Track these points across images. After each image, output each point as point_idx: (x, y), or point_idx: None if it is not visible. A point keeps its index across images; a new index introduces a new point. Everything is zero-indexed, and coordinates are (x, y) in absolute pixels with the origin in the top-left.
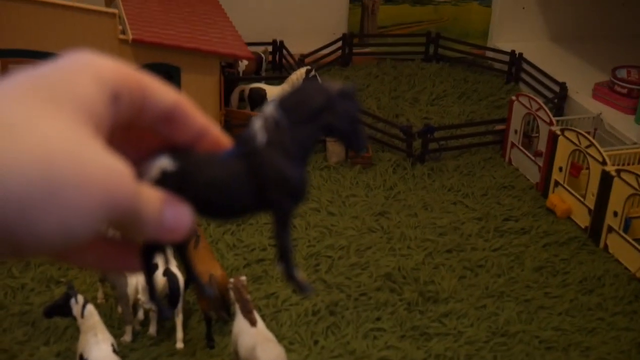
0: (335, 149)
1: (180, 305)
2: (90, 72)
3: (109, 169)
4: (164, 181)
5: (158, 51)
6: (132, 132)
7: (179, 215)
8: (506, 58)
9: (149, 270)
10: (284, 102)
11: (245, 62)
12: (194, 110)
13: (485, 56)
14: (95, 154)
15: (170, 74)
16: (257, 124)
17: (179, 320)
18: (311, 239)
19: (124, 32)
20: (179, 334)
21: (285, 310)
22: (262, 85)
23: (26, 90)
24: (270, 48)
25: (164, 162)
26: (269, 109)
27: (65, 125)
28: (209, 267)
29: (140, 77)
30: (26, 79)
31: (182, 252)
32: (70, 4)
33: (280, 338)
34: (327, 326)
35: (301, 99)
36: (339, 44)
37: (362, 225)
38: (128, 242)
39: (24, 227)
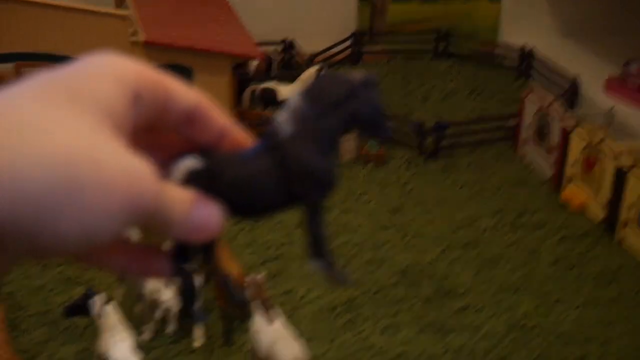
0: (346, 147)
1: (199, 304)
2: (111, 73)
3: (130, 170)
4: (192, 181)
5: (170, 52)
6: (156, 134)
7: (208, 213)
8: (516, 54)
9: (182, 274)
10: (307, 94)
11: (256, 62)
12: (215, 110)
13: (495, 52)
14: (116, 155)
15: (182, 75)
16: (282, 117)
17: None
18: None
19: (135, 33)
20: (198, 331)
21: (303, 306)
22: (273, 85)
23: (46, 91)
24: (280, 48)
25: (191, 162)
26: (293, 100)
27: (86, 127)
28: (226, 265)
29: (162, 77)
30: (46, 81)
31: (210, 253)
32: (82, 6)
33: (299, 334)
34: (345, 322)
35: (324, 89)
36: (349, 42)
37: (376, 221)
38: (155, 245)
39: (43, 229)
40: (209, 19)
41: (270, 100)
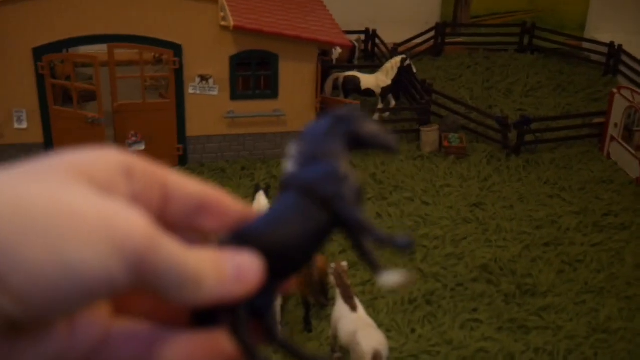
0: (429, 139)
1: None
2: (93, 152)
3: (100, 206)
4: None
5: (258, 38)
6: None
7: (243, 262)
8: (604, 50)
9: (247, 349)
10: (302, 138)
11: (339, 51)
12: (229, 197)
13: (581, 47)
14: (76, 193)
15: (268, 61)
16: (287, 167)
17: (277, 304)
18: (406, 227)
19: (224, 18)
20: (277, 317)
21: (382, 297)
22: (355, 73)
23: (8, 172)
24: (362, 37)
25: (218, 237)
26: (291, 149)
27: (47, 181)
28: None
29: (156, 165)
30: (19, 165)
31: (241, 318)
32: None
33: (377, 325)
34: (424, 315)
35: (314, 126)
36: (432, 33)
37: (457, 215)
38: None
39: (7, 259)
40: (295, 6)
41: (353, 88)
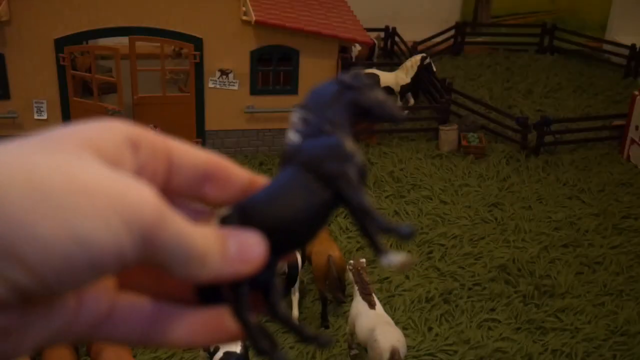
0: (448, 138)
1: (297, 284)
2: (100, 124)
3: (112, 178)
4: (225, 224)
5: (278, 33)
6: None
7: (246, 242)
8: (625, 52)
9: (248, 328)
10: (304, 104)
11: (359, 48)
12: (234, 166)
13: (602, 49)
14: (88, 167)
15: (288, 56)
16: (289, 136)
17: (295, 299)
18: (424, 226)
19: (246, 13)
20: (295, 311)
21: (399, 295)
22: (375, 70)
23: (21, 142)
24: (382, 34)
25: (222, 211)
26: (293, 116)
27: (58, 153)
28: (327, 247)
29: (162, 137)
30: (27, 137)
31: (243, 295)
32: None
33: (394, 322)
34: (441, 314)
35: (316, 93)
36: (452, 32)
37: (475, 215)
38: (221, 309)
39: (21, 232)
40: (317, 2)
41: None
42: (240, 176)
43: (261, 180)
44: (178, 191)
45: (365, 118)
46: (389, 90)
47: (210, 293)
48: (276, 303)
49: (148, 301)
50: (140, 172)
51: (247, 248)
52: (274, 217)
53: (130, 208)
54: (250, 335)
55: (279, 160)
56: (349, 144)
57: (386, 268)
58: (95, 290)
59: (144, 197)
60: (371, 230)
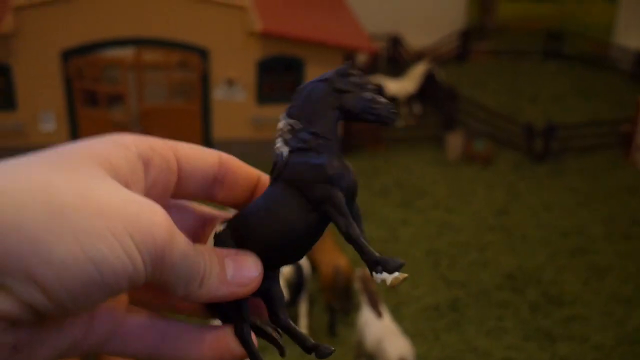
0: (454, 145)
1: (305, 294)
2: (114, 140)
3: (126, 201)
4: (219, 243)
5: (284, 43)
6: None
7: (242, 265)
8: (631, 57)
9: (249, 348)
10: (290, 109)
11: (364, 57)
12: (243, 166)
13: (608, 55)
14: (103, 187)
15: (294, 66)
16: (277, 144)
17: (303, 308)
18: (431, 234)
19: (252, 23)
20: (303, 321)
21: (406, 304)
22: (380, 79)
23: (38, 158)
24: (386, 42)
25: (217, 228)
26: (280, 123)
27: (75, 172)
28: (333, 257)
29: (172, 145)
30: (43, 153)
31: (243, 310)
32: None
33: (402, 331)
34: (449, 322)
35: (303, 95)
36: (457, 39)
37: (481, 222)
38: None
39: (39, 253)
40: (322, 11)
41: None
42: (249, 176)
43: (263, 179)
44: (187, 196)
45: (354, 120)
46: (394, 98)
47: (215, 307)
48: (278, 312)
49: (157, 317)
50: (153, 187)
51: (243, 272)
52: (266, 235)
53: (144, 230)
54: (251, 356)
55: (270, 170)
56: (337, 164)
57: (379, 284)
58: (106, 307)
59: (156, 219)
60: (363, 246)
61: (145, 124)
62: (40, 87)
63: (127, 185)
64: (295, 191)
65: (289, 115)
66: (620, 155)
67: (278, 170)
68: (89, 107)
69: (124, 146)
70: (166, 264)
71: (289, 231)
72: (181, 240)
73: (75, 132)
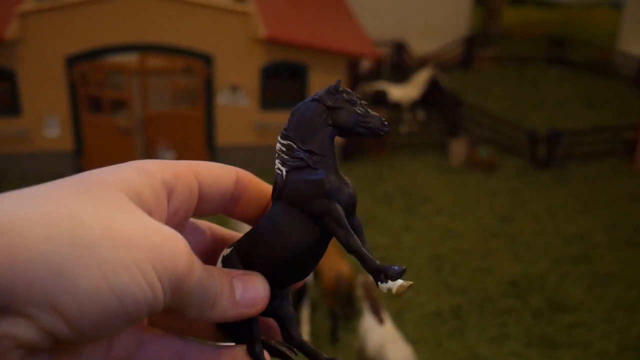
0: (457, 152)
1: (307, 300)
2: (139, 168)
3: (150, 231)
4: (227, 265)
5: (288, 49)
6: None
7: (250, 286)
8: (636, 64)
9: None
10: (286, 131)
11: (368, 63)
12: (260, 183)
13: (612, 61)
14: (128, 218)
15: (298, 72)
16: (277, 165)
17: (305, 315)
18: (434, 240)
19: (256, 30)
20: (305, 327)
21: (408, 310)
22: (384, 85)
23: (64, 186)
24: (390, 49)
25: (224, 251)
26: (277, 144)
27: (100, 202)
28: (336, 263)
29: (192, 167)
30: (69, 179)
31: (253, 329)
32: (204, 2)
33: (403, 338)
34: (451, 329)
35: (297, 116)
36: (462, 45)
37: (485, 229)
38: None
39: (58, 284)
40: (326, 17)
41: (382, 100)
42: (263, 193)
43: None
44: (205, 214)
45: (348, 135)
46: (398, 104)
47: (227, 327)
48: (290, 330)
49: (175, 337)
50: (175, 214)
51: (250, 292)
52: (271, 255)
53: (166, 260)
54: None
55: (272, 191)
56: (334, 178)
57: (384, 293)
58: (126, 331)
59: (179, 250)
60: (366, 256)
61: (149, 130)
62: (45, 93)
63: (150, 213)
64: (296, 209)
65: (285, 136)
66: (624, 161)
67: (278, 190)
68: (93, 112)
69: (149, 174)
70: (184, 290)
71: (293, 248)
72: (198, 267)
73: (80, 138)
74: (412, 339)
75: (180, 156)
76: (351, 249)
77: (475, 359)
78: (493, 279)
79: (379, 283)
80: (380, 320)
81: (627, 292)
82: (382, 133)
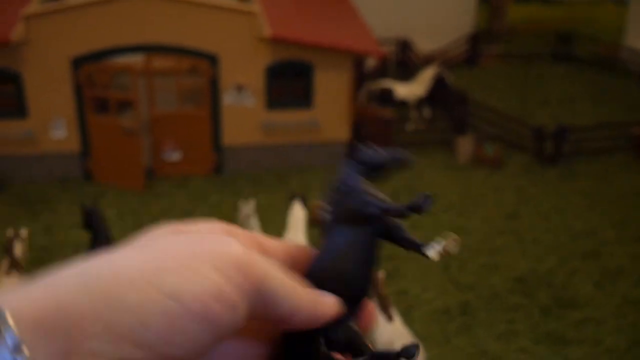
0: (464, 149)
1: None
2: (217, 243)
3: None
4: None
5: (293, 48)
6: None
7: (325, 299)
8: None
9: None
10: (329, 197)
11: (373, 61)
12: (302, 257)
13: (618, 57)
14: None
15: (303, 71)
16: (323, 211)
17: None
18: (441, 238)
19: (261, 29)
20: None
21: (417, 307)
22: (390, 83)
23: (147, 258)
24: (395, 47)
25: None
26: (320, 212)
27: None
28: None
29: (265, 273)
30: (153, 250)
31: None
32: (209, 2)
33: (412, 334)
34: (459, 325)
35: (339, 184)
36: (467, 42)
37: (492, 226)
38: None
39: (111, 304)
40: (330, 16)
41: (387, 98)
42: (307, 257)
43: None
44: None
45: (378, 173)
46: (404, 102)
47: (295, 344)
48: (360, 356)
49: (250, 345)
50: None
51: (325, 304)
52: (339, 280)
53: (223, 252)
54: None
55: (322, 231)
56: (373, 191)
57: (435, 259)
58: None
59: (254, 257)
60: (409, 238)
61: (155, 130)
62: (51, 95)
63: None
64: (348, 225)
65: (327, 199)
66: (631, 157)
67: (329, 219)
68: (99, 113)
69: (224, 252)
70: (266, 292)
71: (356, 265)
72: (278, 274)
73: (86, 139)
74: (421, 336)
75: (187, 156)
76: (409, 241)
77: (483, 355)
78: (501, 276)
79: (426, 252)
80: (389, 317)
81: (636, 288)
82: (408, 164)
